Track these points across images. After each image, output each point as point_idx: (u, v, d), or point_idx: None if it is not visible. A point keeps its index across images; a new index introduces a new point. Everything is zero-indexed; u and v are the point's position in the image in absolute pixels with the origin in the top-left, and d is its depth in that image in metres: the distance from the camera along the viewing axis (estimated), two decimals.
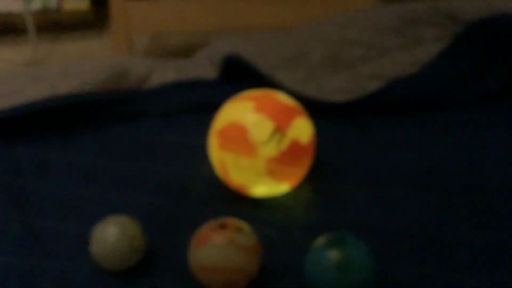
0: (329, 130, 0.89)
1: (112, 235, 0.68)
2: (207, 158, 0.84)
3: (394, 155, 0.85)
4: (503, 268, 0.70)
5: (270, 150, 0.73)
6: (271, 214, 0.77)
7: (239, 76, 0.97)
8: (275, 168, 0.74)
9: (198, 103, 0.95)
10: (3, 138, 0.89)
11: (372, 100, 0.92)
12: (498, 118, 0.91)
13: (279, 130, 0.73)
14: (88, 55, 1.37)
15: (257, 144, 0.73)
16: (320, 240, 0.65)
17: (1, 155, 0.86)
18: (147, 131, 0.90)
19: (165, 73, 1.01)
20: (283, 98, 0.78)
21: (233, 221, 0.67)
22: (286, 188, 0.78)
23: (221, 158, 0.76)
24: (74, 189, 0.81)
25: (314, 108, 0.91)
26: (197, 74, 1.00)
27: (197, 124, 0.91)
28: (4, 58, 1.38)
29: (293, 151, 0.74)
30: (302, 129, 0.76)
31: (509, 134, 0.88)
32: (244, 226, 0.67)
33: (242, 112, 0.75)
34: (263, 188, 0.76)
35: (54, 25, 1.42)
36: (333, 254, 0.62)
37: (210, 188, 0.81)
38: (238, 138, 0.74)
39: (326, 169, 0.84)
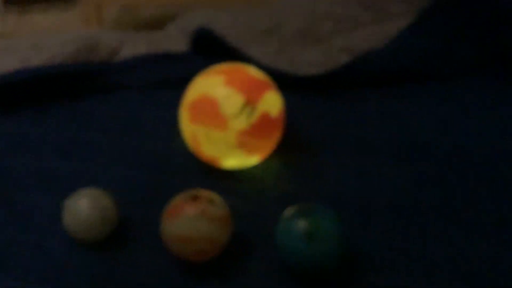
0: (300, 103, 0.90)
1: (83, 207, 0.69)
2: (179, 131, 0.85)
3: (367, 127, 0.87)
4: (475, 237, 0.72)
5: (240, 123, 0.74)
6: (243, 185, 0.79)
7: (210, 49, 0.97)
8: (245, 140, 0.75)
9: (169, 76, 0.95)
10: None
11: (342, 73, 0.94)
12: (472, 91, 0.93)
13: (250, 103, 0.74)
14: (58, 27, 1.35)
15: (227, 117, 0.74)
16: (289, 210, 0.67)
17: None
18: (120, 104, 0.91)
19: (136, 46, 1.01)
20: (253, 72, 0.79)
21: (205, 193, 0.68)
22: (257, 161, 0.80)
23: (193, 131, 0.77)
24: (49, 162, 0.81)
25: (285, 81, 0.92)
26: (168, 47, 1.01)
27: (170, 97, 0.92)
28: None
29: (263, 124, 0.76)
30: (272, 102, 0.77)
31: (481, 105, 0.90)
32: (216, 197, 0.69)
33: (212, 85, 0.76)
34: (234, 160, 0.78)
35: None
36: (301, 223, 0.64)
37: (182, 160, 0.82)
38: (209, 112, 0.75)
39: (297, 142, 0.85)
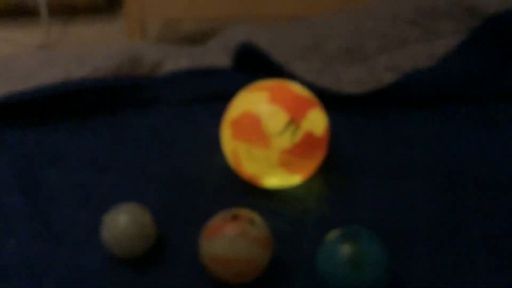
0: (343, 122, 0.88)
1: (122, 223, 0.68)
2: (220, 149, 0.84)
3: (410, 149, 0.84)
4: None
5: (284, 141, 0.72)
6: (284, 206, 0.77)
7: (253, 65, 0.96)
8: (288, 159, 0.73)
9: (211, 92, 0.94)
10: (15, 123, 0.89)
11: (388, 92, 0.91)
12: None
13: (294, 121, 0.73)
14: (101, 39, 1.36)
15: (271, 135, 0.72)
16: (333, 234, 0.65)
17: (12, 141, 0.86)
18: (160, 120, 0.90)
19: (178, 60, 1.00)
20: (297, 89, 0.77)
21: (245, 212, 0.67)
22: (298, 180, 0.78)
23: (234, 148, 0.75)
24: (85, 176, 0.81)
25: (329, 99, 0.90)
26: (210, 62, 1.00)
27: (210, 113, 0.90)
28: (16, 40, 1.38)
29: (307, 143, 0.74)
30: (317, 121, 0.75)
31: None
32: (256, 217, 0.67)
33: (256, 102, 0.75)
34: (276, 179, 0.76)
35: (67, 8, 1.42)
36: (346, 249, 0.62)
37: (222, 178, 0.81)
38: (252, 129, 0.73)
39: (339, 162, 0.83)
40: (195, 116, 0.90)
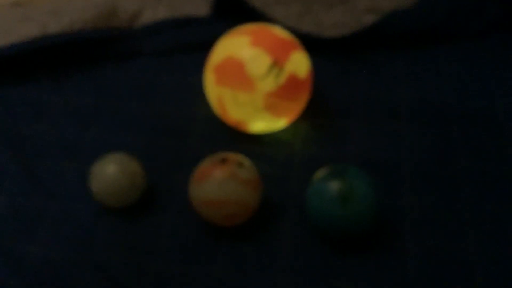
0: (326, 66, 0.88)
1: (111, 173, 0.68)
2: (204, 96, 0.83)
3: (393, 89, 0.84)
4: (502, 195, 0.71)
5: (268, 84, 0.72)
6: (270, 149, 0.77)
7: (232, 12, 0.94)
8: (273, 102, 0.73)
9: (192, 40, 0.93)
10: None
11: (369, 34, 0.90)
12: (498, 51, 0.90)
13: (277, 64, 0.72)
14: None
15: (254, 79, 0.72)
16: (321, 172, 0.65)
17: None
18: (142, 71, 0.88)
19: (156, 10, 0.98)
20: (279, 32, 0.76)
21: (233, 156, 0.67)
22: (284, 124, 0.77)
23: (219, 94, 0.75)
24: (71, 129, 0.80)
25: (310, 43, 0.89)
26: (189, 10, 0.98)
27: (192, 62, 0.89)
28: None
29: (291, 85, 0.73)
30: (300, 63, 0.75)
31: (506, 67, 0.88)
32: (245, 160, 0.67)
33: (238, 47, 0.74)
34: (262, 123, 0.76)
35: None
36: (334, 185, 0.62)
37: (208, 126, 0.80)
38: (235, 73, 0.72)
39: (324, 105, 0.83)
40: (177, 66, 0.89)
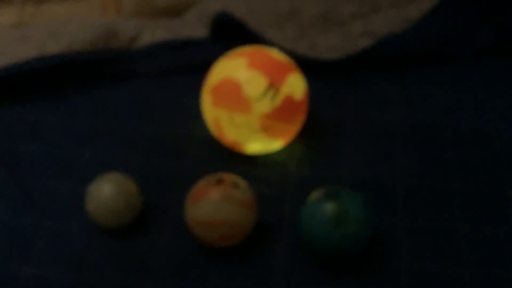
0: (322, 87, 0.88)
1: (107, 192, 0.68)
2: (200, 117, 0.83)
3: (387, 111, 0.85)
4: (496, 217, 0.71)
5: (264, 106, 0.72)
6: (265, 170, 0.77)
7: (229, 35, 0.95)
8: (269, 124, 0.73)
9: (189, 62, 0.94)
10: None
11: (364, 57, 0.91)
12: (491, 74, 0.91)
13: (273, 86, 0.73)
14: (75, 17, 1.34)
15: (251, 100, 0.72)
16: (315, 194, 0.65)
17: None
18: (139, 92, 0.89)
19: (155, 33, 0.99)
20: (276, 54, 0.77)
21: (229, 177, 0.67)
22: (280, 145, 0.78)
23: (215, 115, 0.75)
24: (66, 149, 0.80)
25: (306, 66, 0.90)
26: (187, 33, 0.99)
27: (188, 84, 0.90)
28: None
29: (287, 107, 0.74)
30: (296, 85, 0.75)
31: (501, 89, 0.88)
32: (240, 181, 0.67)
33: (235, 68, 0.74)
34: (257, 145, 0.76)
35: None
36: (328, 207, 0.62)
37: (204, 146, 0.80)
38: (232, 95, 0.73)
39: (319, 126, 0.83)
40: (174, 87, 0.90)
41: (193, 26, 1.01)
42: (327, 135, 0.82)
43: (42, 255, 0.68)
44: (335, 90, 0.89)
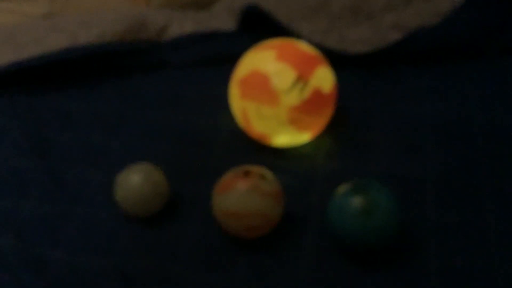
0: (350, 80, 0.88)
1: (136, 181, 0.68)
2: (228, 109, 0.84)
3: (416, 104, 0.84)
4: None
5: (292, 98, 0.72)
6: (293, 163, 0.77)
7: (258, 27, 0.95)
8: (297, 116, 0.73)
9: (217, 54, 0.94)
10: (24, 89, 0.89)
11: (394, 50, 0.91)
12: None
13: (301, 78, 0.72)
14: (104, 8, 1.35)
15: (279, 93, 0.72)
16: (344, 187, 0.65)
17: (23, 106, 0.86)
18: (168, 82, 0.90)
19: (183, 25, 1.00)
20: (304, 46, 0.77)
21: (256, 169, 0.67)
22: (307, 138, 0.78)
23: (243, 107, 0.75)
24: (97, 138, 0.81)
25: (335, 58, 0.90)
26: (215, 25, 0.99)
27: (217, 75, 0.90)
28: (21, 11, 1.37)
29: (315, 100, 0.74)
30: (324, 78, 0.75)
31: None
32: (268, 173, 0.67)
33: (263, 61, 0.74)
34: (285, 137, 0.76)
35: None
36: (357, 199, 0.62)
37: (231, 137, 0.81)
38: (260, 87, 0.73)
39: (347, 119, 0.83)
40: (202, 78, 0.90)
41: (221, 18, 1.01)
42: (356, 128, 0.81)
43: (71, 241, 0.69)
44: (364, 83, 0.88)
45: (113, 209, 0.72)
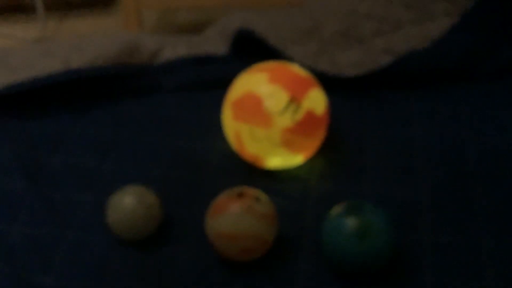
0: (342, 104, 0.88)
1: (128, 204, 0.68)
2: (221, 132, 0.83)
3: (408, 127, 0.84)
4: None
5: (285, 120, 0.72)
6: (286, 185, 0.77)
7: (250, 51, 0.96)
8: (290, 138, 0.73)
9: (209, 78, 0.94)
10: (16, 112, 0.88)
11: (384, 74, 0.91)
12: (511, 91, 0.90)
13: (294, 100, 0.72)
14: (97, 32, 1.36)
15: (272, 115, 0.72)
16: (338, 208, 0.65)
17: (14, 129, 0.85)
18: (160, 106, 0.89)
19: (176, 49, 1.00)
20: (297, 69, 0.77)
21: (250, 190, 0.66)
22: (300, 160, 0.77)
23: (236, 129, 0.75)
24: (88, 161, 0.80)
25: (327, 82, 0.90)
26: (207, 49, 0.99)
27: (210, 98, 0.90)
28: (14, 35, 1.37)
29: (308, 122, 0.73)
30: (317, 100, 0.75)
31: None
32: (262, 195, 0.67)
33: (256, 83, 0.74)
34: (278, 159, 0.76)
35: (62, 3, 1.41)
36: (351, 221, 0.61)
37: (224, 160, 0.80)
38: (253, 109, 0.73)
39: (339, 141, 0.83)
40: (195, 102, 0.90)
41: (214, 43, 1.01)
42: (348, 151, 0.81)
43: (63, 266, 0.68)
44: (356, 107, 0.88)
45: (105, 233, 0.71)
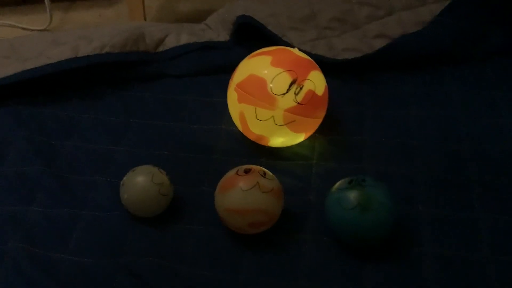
0: (339, 86, 0.89)
1: (141, 183, 0.68)
2: (226, 114, 0.84)
3: (403, 108, 0.86)
4: (508, 202, 0.71)
5: (288, 101, 0.73)
6: (290, 164, 0.78)
7: (250, 38, 0.96)
8: (293, 118, 0.74)
9: (213, 63, 0.95)
10: (29, 99, 0.88)
11: (379, 57, 0.92)
12: (499, 73, 0.91)
13: (296, 82, 0.73)
14: (102, 23, 1.35)
15: (275, 96, 0.73)
16: (340, 183, 0.66)
17: (28, 116, 0.86)
18: (166, 91, 0.90)
19: (179, 37, 1.00)
20: (297, 52, 0.78)
21: (257, 167, 0.67)
22: (302, 139, 0.78)
23: (241, 111, 0.76)
24: (102, 144, 0.81)
25: (324, 66, 0.90)
26: (209, 37, 1.00)
27: (213, 83, 0.91)
28: (20, 27, 1.37)
29: (310, 102, 0.74)
30: (318, 81, 0.76)
31: (509, 87, 0.89)
32: (267, 171, 0.68)
33: (260, 66, 0.75)
34: (281, 138, 0.77)
35: None
36: (353, 194, 0.62)
37: (230, 140, 0.81)
38: (257, 91, 0.74)
39: (338, 122, 0.84)
40: (200, 86, 0.91)
41: (216, 30, 1.01)
42: (348, 130, 0.82)
43: (80, 243, 0.69)
44: (353, 89, 0.89)
45: (119, 211, 0.72)
